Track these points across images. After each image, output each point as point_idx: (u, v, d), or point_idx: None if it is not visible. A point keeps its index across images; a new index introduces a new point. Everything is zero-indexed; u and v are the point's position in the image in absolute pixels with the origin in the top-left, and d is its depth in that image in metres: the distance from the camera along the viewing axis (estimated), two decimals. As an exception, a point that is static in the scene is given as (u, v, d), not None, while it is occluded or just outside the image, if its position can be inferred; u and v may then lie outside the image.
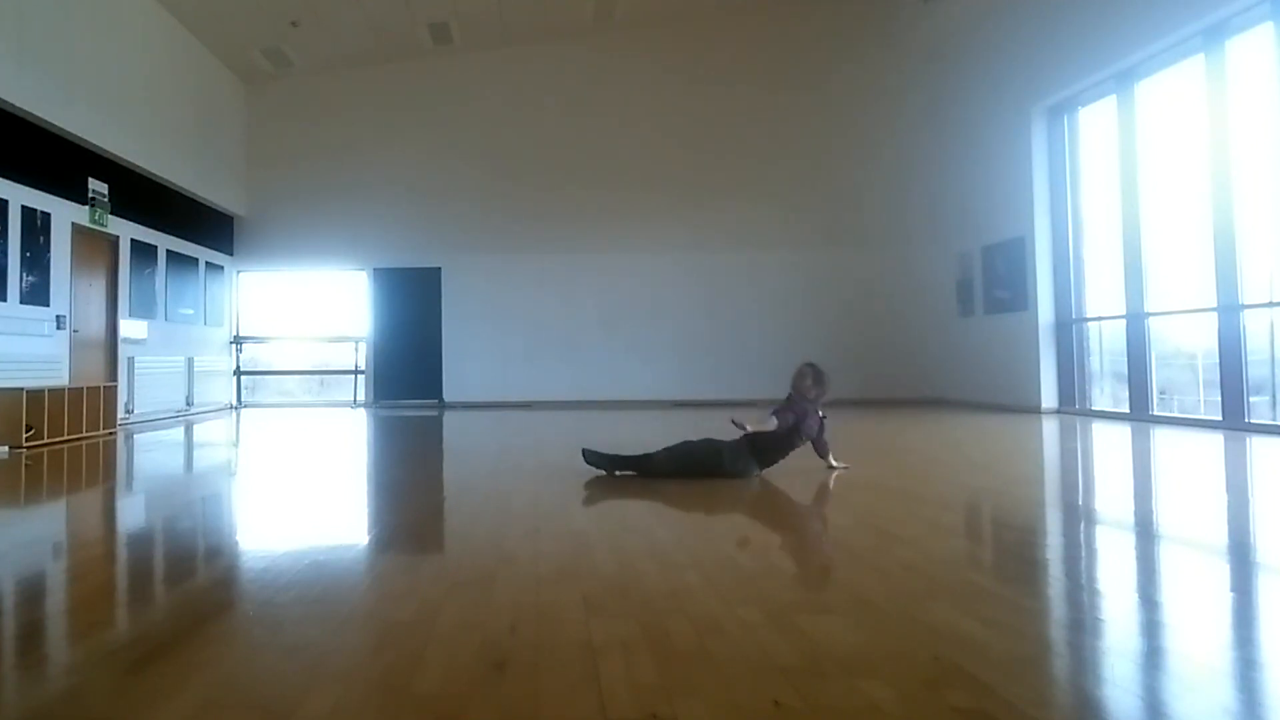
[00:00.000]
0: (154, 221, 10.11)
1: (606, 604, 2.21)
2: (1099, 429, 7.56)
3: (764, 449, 4.39)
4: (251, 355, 12.76)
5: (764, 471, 4.40)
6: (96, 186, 8.86)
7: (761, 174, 12.47)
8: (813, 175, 12.47)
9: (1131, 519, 3.54)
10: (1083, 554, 2.85)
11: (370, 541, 3.16)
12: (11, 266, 7.43)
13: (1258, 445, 5.99)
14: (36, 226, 7.81)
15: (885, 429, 7.92)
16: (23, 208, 7.61)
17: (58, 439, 6.92)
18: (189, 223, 11.03)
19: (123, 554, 3.08)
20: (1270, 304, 7.02)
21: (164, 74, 10.11)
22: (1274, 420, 6.97)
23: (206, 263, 11.55)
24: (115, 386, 8.48)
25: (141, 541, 3.37)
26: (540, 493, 4.20)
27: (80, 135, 8.27)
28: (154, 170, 9.80)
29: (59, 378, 7.96)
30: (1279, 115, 6.82)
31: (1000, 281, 10.49)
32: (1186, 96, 7.89)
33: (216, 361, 11.74)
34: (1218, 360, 7.36)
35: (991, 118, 10.63)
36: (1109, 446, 6.36)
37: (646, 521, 3.37)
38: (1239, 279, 7.18)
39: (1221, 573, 2.59)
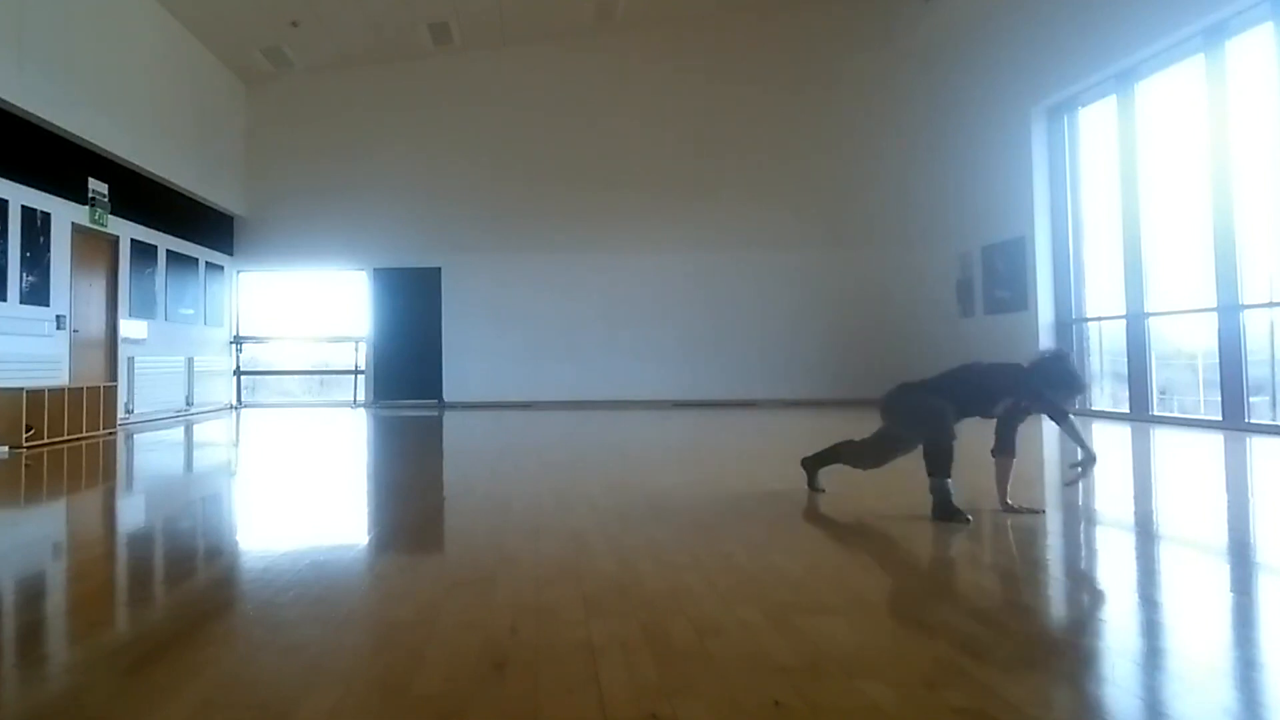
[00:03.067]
0: (154, 221, 10.10)
1: (606, 604, 2.21)
2: (1099, 429, 7.55)
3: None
4: (251, 355, 12.76)
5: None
6: (96, 186, 8.86)
7: (762, 174, 12.47)
8: (812, 175, 12.47)
9: (1131, 519, 3.54)
10: (1083, 554, 2.85)
11: (370, 541, 3.16)
12: (11, 266, 7.43)
13: (1258, 445, 5.99)
14: (36, 226, 7.81)
15: (885, 429, 7.90)
16: (23, 208, 7.61)
17: (58, 439, 6.92)
18: (189, 223, 11.03)
19: (123, 554, 3.08)
20: (1270, 304, 7.02)
21: (164, 74, 10.10)
22: (1274, 420, 6.97)
23: (206, 263, 11.55)
24: (115, 386, 8.48)
25: (141, 542, 3.37)
26: (540, 493, 4.20)
27: (80, 135, 8.27)
28: (154, 170, 9.80)
29: (59, 378, 7.96)
30: (1279, 115, 6.82)
31: (1000, 281, 10.49)
32: (1186, 96, 7.89)
33: (216, 361, 11.74)
34: (1218, 360, 7.36)
35: (991, 118, 10.63)
36: (1109, 447, 6.36)
37: (646, 521, 3.37)
38: (1239, 279, 7.19)
39: (1221, 573, 2.59)
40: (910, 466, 4.81)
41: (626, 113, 12.53)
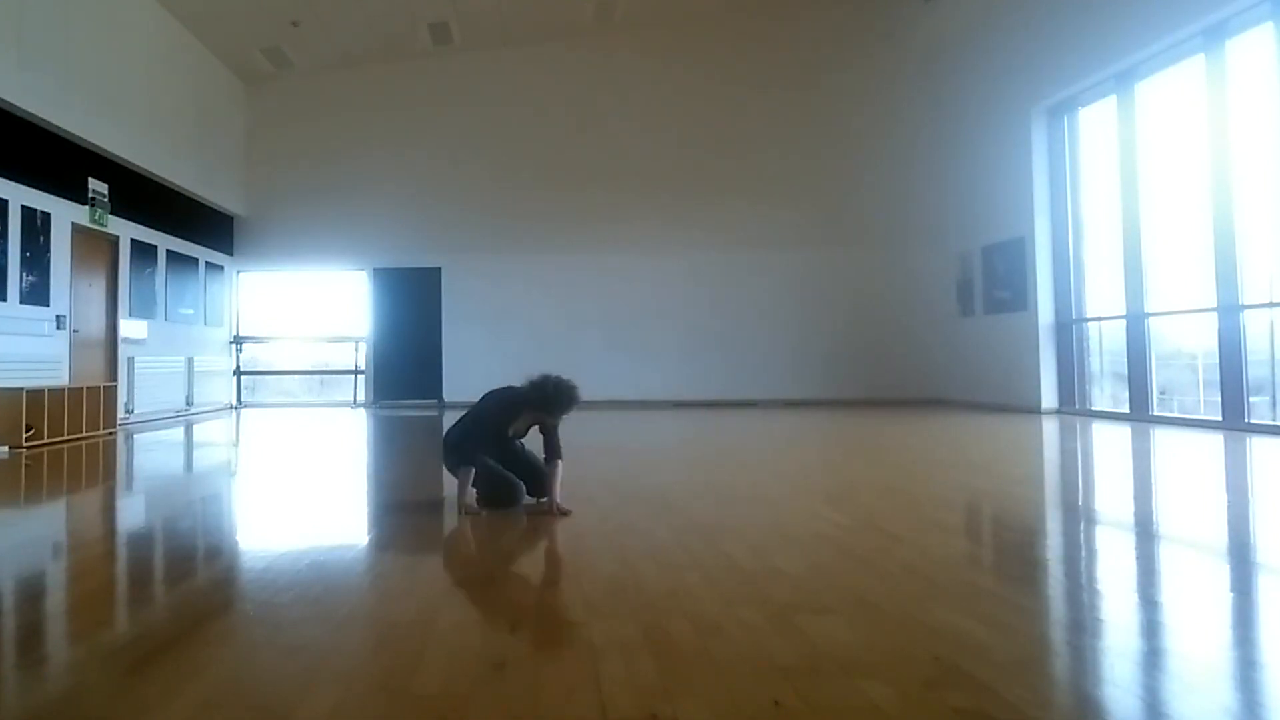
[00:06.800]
0: (154, 221, 10.10)
1: (606, 604, 2.21)
2: (1099, 429, 7.56)
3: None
4: (251, 355, 12.76)
5: None
6: (96, 186, 8.86)
7: (762, 174, 12.46)
8: (813, 175, 12.46)
9: (1131, 519, 3.54)
10: (1083, 554, 2.85)
11: (370, 541, 3.16)
12: (11, 266, 7.43)
13: (1258, 445, 5.99)
14: (36, 226, 7.81)
15: (885, 429, 7.92)
16: (23, 208, 7.61)
17: (58, 439, 6.91)
18: (189, 223, 11.02)
19: (123, 554, 3.08)
20: (1270, 304, 7.02)
21: (164, 74, 10.10)
22: (1274, 420, 6.97)
23: (206, 263, 11.55)
24: (115, 386, 8.47)
25: (141, 542, 3.37)
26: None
27: (80, 135, 8.27)
28: (154, 170, 9.79)
29: (59, 378, 7.96)
30: (1279, 115, 6.82)
31: (1000, 281, 10.49)
32: (1186, 97, 7.89)
33: (216, 361, 11.74)
34: (1218, 360, 7.36)
35: (991, 118, 10.63)
36: (1109, 447, 6.36)
37: (646, 522, 3.36)
38: (1239, 279, 7.18)
39: (1221, 573, 2.59)
40: (911, 469, 4.82)
41: (626, 113, 12.52)
